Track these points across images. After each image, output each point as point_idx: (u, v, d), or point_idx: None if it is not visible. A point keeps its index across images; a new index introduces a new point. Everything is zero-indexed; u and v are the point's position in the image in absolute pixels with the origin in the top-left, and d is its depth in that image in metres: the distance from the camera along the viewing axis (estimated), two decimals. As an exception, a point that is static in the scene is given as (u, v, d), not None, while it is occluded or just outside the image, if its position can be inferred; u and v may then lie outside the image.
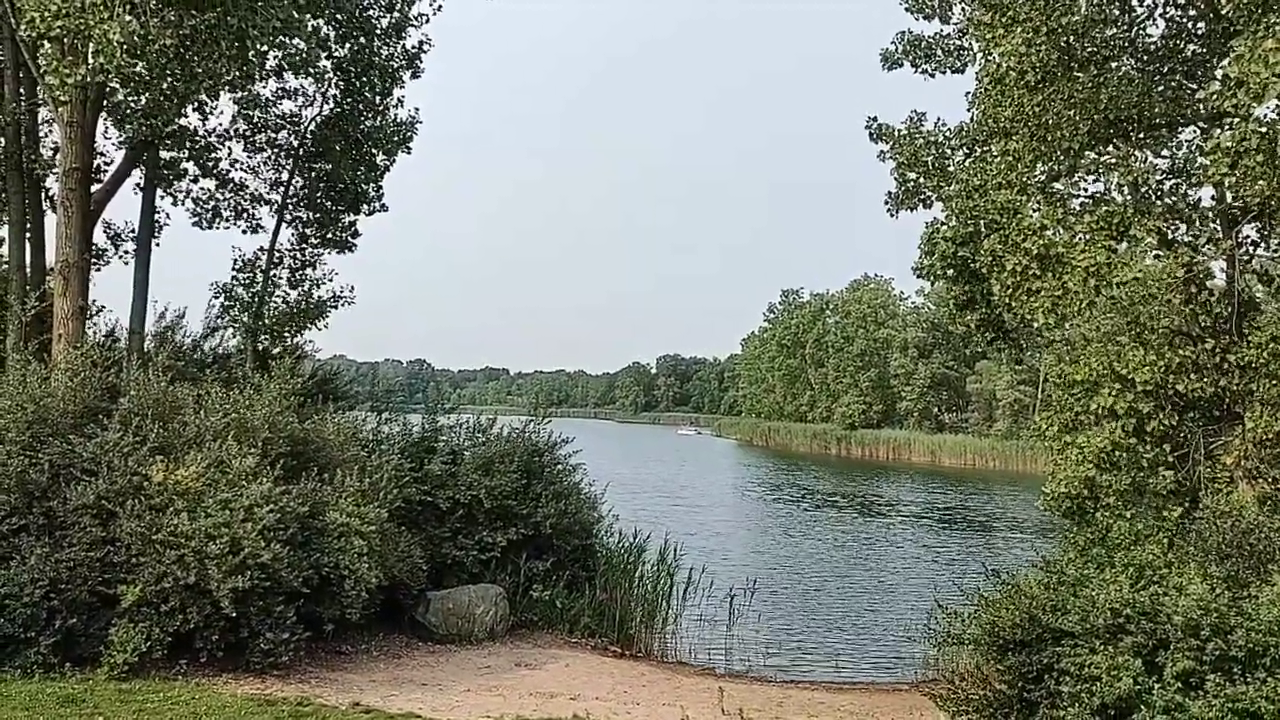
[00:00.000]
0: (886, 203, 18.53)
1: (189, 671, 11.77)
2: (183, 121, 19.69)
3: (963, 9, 17.03)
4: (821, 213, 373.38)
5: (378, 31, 21.56)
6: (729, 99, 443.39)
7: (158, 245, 20.88)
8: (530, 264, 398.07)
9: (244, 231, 22.39)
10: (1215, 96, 11.24)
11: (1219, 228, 13.83)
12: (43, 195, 18.93)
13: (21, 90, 18.21)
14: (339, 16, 20.48)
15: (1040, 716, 9.34)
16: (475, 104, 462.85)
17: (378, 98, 21.84)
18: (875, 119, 18.63)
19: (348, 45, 21.38)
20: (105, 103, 17.03)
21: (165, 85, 14.58)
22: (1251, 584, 9.61)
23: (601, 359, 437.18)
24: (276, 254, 22.14)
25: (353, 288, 22.75)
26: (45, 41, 13.49)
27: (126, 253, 20.99)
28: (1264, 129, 10.51)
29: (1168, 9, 14.47)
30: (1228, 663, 8.66)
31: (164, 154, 20.75)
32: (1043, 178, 14.60)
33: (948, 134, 17.63)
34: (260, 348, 21.18)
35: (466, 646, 15.10)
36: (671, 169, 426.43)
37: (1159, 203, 14.15)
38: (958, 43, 17.88)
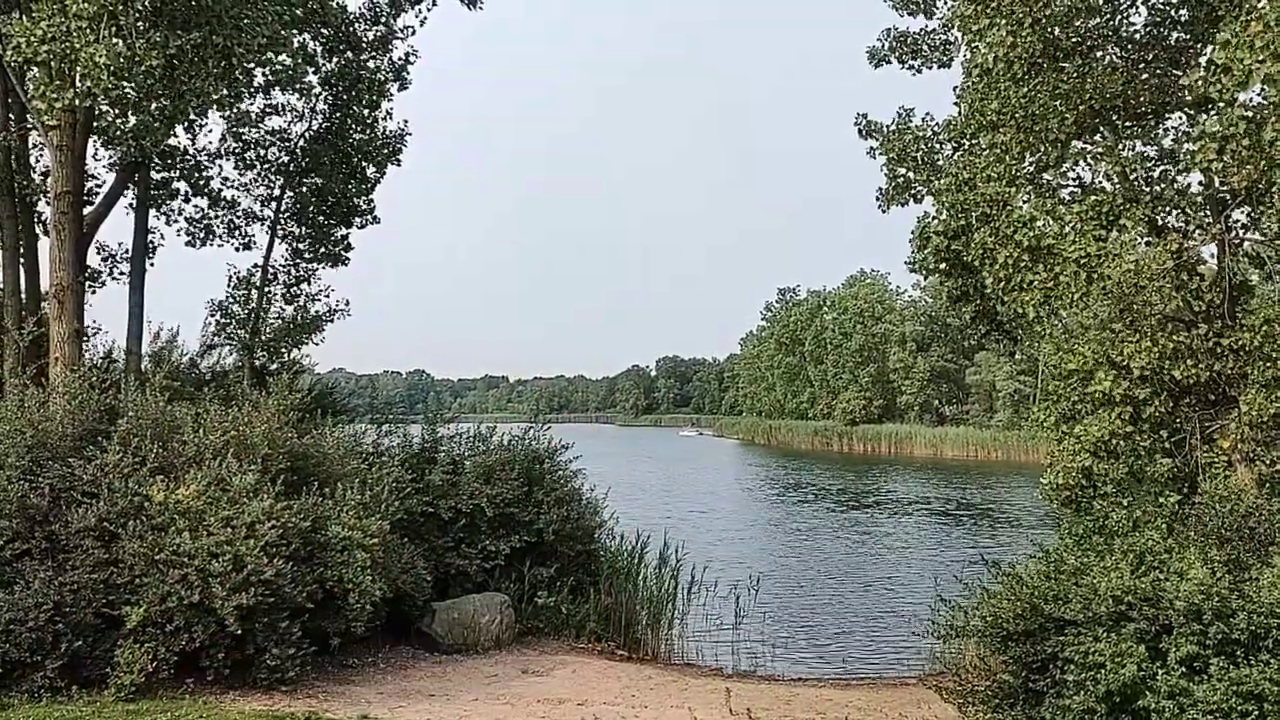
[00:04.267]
0: (877, 198, 18.59)
1: (196, 690, 11.78)
2: (173, 141, 19.74)
3: (947, 3, 17.11)
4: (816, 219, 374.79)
5: (364, 45, 21.62)
6: (721, 112, 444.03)
7: (152, 265, 20.94)
8: (526, 274, 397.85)
9: (237, 249, 22.46)
10: (1200, 83, 11.28)
11: (1208, 213, 13.88)
12: (35, 219, 18.97)
13: (10, 115, 18.24)
14: (325, 31, 20.54)
15: (1046, 706, 9.38)
16: (469, 103, 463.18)
17: (366, 111, 21.90)
18: (864, 115, 18.71)
19: (335, 60, 21.45)
20: (94, 125, 17.06)
21: (154, 106, 14.61)
22: (1252, 567, 9.64)
23: (601, 363, 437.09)
24: (270, 270, 22.18)
25: (348, 301, 22.85)
26: (32, 66, 13.52)
27: (121, 274, 21.03)
28: (1249, 114, 10.55)
29: (1150, -4, 14.52)
30: (1231, 646, 8.70)
31: (155, 174, 20.79)
32: (1031, 169, 14.65)
33: (936, 128, 17.69)
34: (257, 364, 21.21)
35: (473, 656, 15.11)
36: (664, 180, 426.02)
37: (1147, 190, 14.19)
38: (943, 37, 17.96)
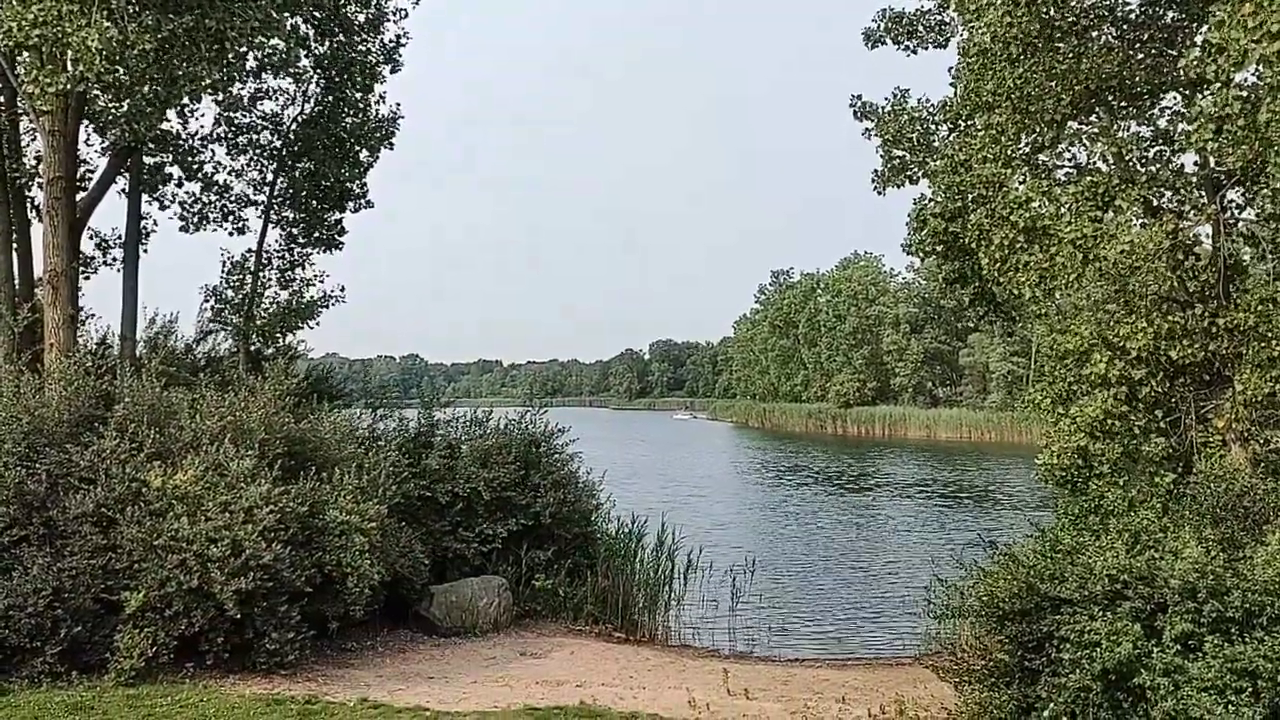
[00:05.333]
0: (873, 180, 18.57)
1: (196, 674, 11.82)
2: (165, 126, 19.61)
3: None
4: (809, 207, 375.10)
5: (356, 27, 21.49)
6: (719, 107, 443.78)
7: (145, 251, 20.84)
8: (522, 275, 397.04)
9: (231, 234, 22.36)
10: (1195, 63, 11.27)
11: (1203, 193, 13.89)
12: (28, 205, 18.86)
13: (1, 100, 18.12)
14: (316, 14, 20.40)
15: (1042, 684, 9.43)
16: (465, 93, 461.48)
17: (358, 94, 21.78)
18: (859, 97, 18.67)
19: (327, 43, 21.32)
20: (86, 110, 16.95)
21: (146, 90, 14.52)
22: (1246, 545, 9.70)
23: (594, 347, 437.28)
24: (265, 255, 22.11)
25: (343, 287, 22.78)
26: (23, 51, 13.42)
27: (114, 259, 20.94)
28: (1244, 94, 10.54)
29: (1146, -25, 14.48)
30: (1225, 624, 8.75)
31: (148, 159, 20.68)
32: (1027, 150, 14.65)
33: (931, 110, 17.66)
34: (252, 349, 21.16)
35: (471, 638, 15.17)
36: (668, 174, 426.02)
37: (1143, 171, 14.19)
38: (939, 18, 17.91)
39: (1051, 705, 9.10)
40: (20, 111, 18.07)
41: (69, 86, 13.36)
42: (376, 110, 22.18)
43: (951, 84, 16.90)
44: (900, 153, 17.82)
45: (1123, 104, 14.46)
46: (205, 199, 21.96)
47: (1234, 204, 14.11)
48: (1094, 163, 14.48)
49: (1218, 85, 10.62)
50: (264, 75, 21.07)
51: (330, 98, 21.69)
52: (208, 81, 14.90)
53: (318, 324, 22.30)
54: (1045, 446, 13.85)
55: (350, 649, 13.96)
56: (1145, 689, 8.66)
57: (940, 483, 47.61)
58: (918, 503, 39.52)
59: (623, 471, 42.29)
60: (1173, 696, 8.45)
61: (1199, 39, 12.55)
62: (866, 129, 18.32)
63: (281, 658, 12.11)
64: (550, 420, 19.14)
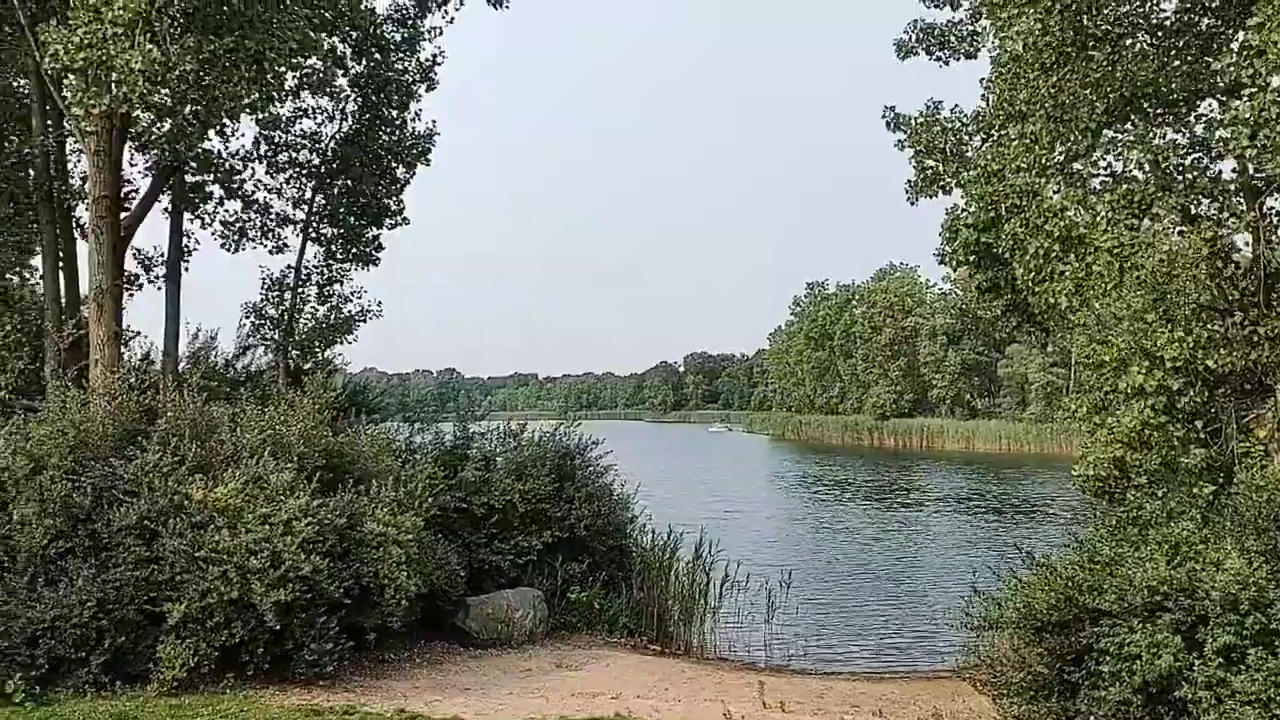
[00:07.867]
0: (906, 191, 18.51)
1: (236, 684, 11.97)
2: (206, 145, 19.95)
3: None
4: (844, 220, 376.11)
5: (392, 47, 21.78)
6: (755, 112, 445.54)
7: (187, 269, 21.16)
8: (545, 273, 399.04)
9: (271, 251, 22.65)
10: (1232, 68, 11.16)
11: (1242, 200, 13.71)
12: (73, 224, 19.25)
13: (48, 122, 18.53)
14: (353, 34, 20.70)
15: (1081, 698, 9.34)
16: (493, 109, 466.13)
17: (395, 112, 22.06)
18: (892, 108, 18.64)
19: (364, 62, 21.62)
20: (130, 130, 17.30)
21: (187, 110, 14.82)
22: (1290, 557, 9.54)
23: (629, 360, 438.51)
24: (304, 271, 22.39)
25: (380, 302, 23.00)
26: (69, 74, 13.75)
27: (158, 277, 21.28)
28: (1282, 98, 10.42)
29: (1182, -18, 14.35)
30: (1269, 636, 8.64)
31: (189, 178, 21.02)
32: (1061, 159, 14.52)
33: (964, 120, 17.59)
34: (291, 364, 21.43)
35: (507, 650, 15.24)
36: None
37: (1180, 178, 14.02)
38: (970, 28, 17.87)
39: (1092, 719, 9.01)
40: (67, 133, 18.47)
41: (113, 108, 13.66)
42: (413, 127, 22.46)
43: (983, 94, 16.83)
44: (932, 163, 17.76)
45: (1159, 111, 14.31)
46: (245, 217, 22.29)
47: (1274, 210, 13.90)
48: (1130, 171, 14.32)
49: (1254, 89, 10.51)
50: (302, 94, 21.36)
51: (367, 116, 21.97)
52: (247, 101, 15.18)
53: (355, 339, 22.57)
54: (1082, 457, 13.71)
55: (387, 660, 14.08)
56: (1187, 702, 8.57)
57: (979, 495, 47.06)
58: (954, 514, 39.00)
59: (662, 489, 42.22)
60: (1215, 710, 8.35)
61: (1235, 44, 12.42)
62: (899, 140, 18.28)
63: (320, 668, 12.23)
64: (584, 433, 19.22)
